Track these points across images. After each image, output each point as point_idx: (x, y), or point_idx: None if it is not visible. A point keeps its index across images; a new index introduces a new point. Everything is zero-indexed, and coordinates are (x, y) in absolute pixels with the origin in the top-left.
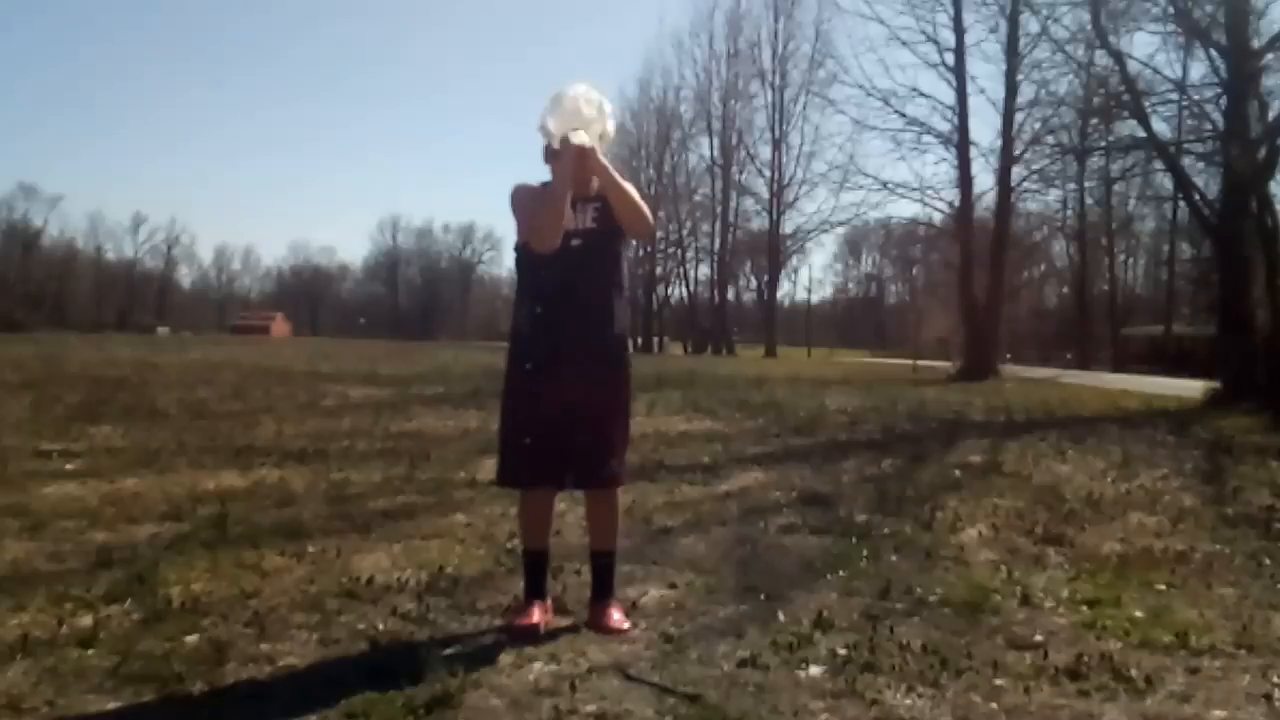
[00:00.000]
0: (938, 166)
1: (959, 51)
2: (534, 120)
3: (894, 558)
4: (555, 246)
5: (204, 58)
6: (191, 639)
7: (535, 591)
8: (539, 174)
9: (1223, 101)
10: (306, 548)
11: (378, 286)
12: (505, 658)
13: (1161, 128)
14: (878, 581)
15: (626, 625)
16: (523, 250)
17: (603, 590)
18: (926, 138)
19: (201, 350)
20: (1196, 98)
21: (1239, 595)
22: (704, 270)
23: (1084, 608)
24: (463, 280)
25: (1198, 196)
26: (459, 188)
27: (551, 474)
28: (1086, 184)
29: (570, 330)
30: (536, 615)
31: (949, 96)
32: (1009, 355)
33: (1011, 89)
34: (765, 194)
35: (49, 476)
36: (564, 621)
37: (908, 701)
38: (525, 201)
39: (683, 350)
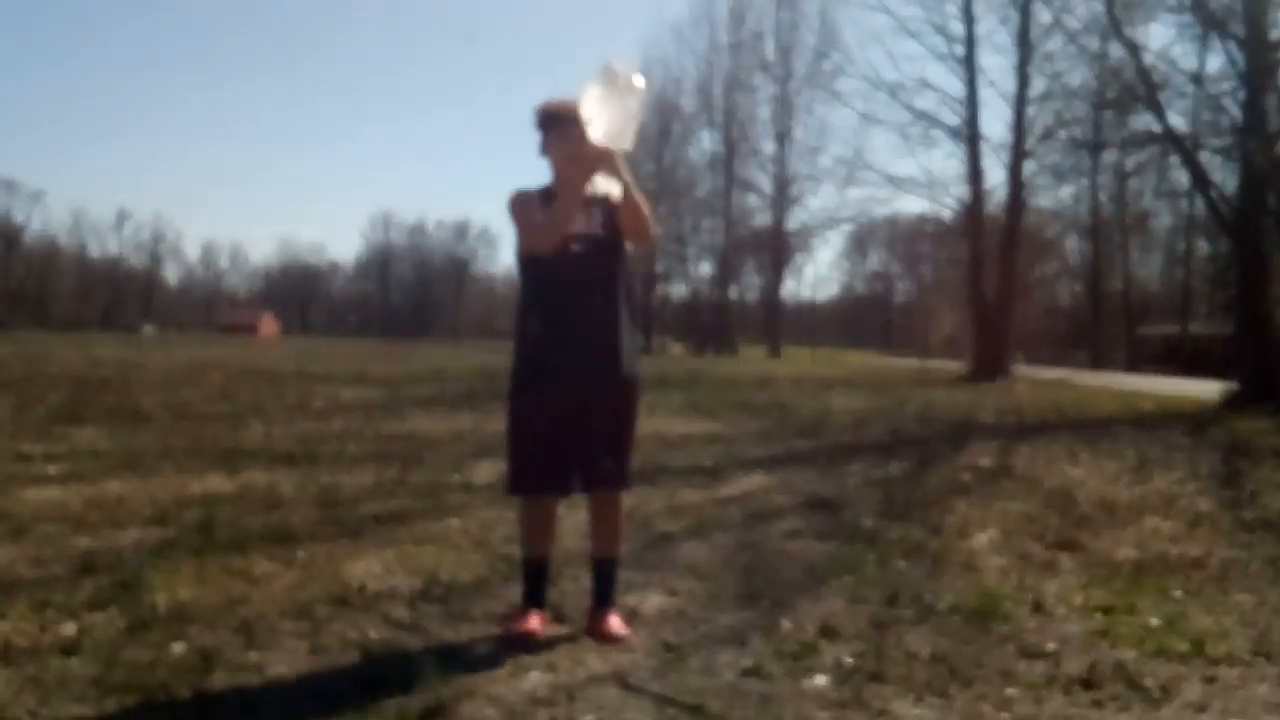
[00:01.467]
0: (947, 161)
1: (969, 43)
2: (528, 117)
3: (902, 564)
4: (554, 249)
5: (189, 54)
6: (178, 647)
7: (533, 600)
8: (534, 171)
9: (1240, 94)
10: (296, 553)
11: (369, 285)
12: (501, 667)
13: (1178, 121)
14: (885, 588)
15: (626, 633)
16: (525, 263)
17: (603, 598)
18: (935, 131)
19: (187, 350)
20: (1214, 90)
21: (1256, 602)
22: (706, 268)
23: (1097, 615)
24: (456, 278)
25: (1215, 192)
26: (452, 183)
27: (558, 480)
28: (1100, 179)
29: (576, 340)
30: (534, 623)
31: (958, 89)
32: (1020, 355)
33: (1023, 81)
34: (769, 189)
35: (30, 480)
36: (562, 630)
37: (916, 712)
38: (524, 213)
39: (684, 350)
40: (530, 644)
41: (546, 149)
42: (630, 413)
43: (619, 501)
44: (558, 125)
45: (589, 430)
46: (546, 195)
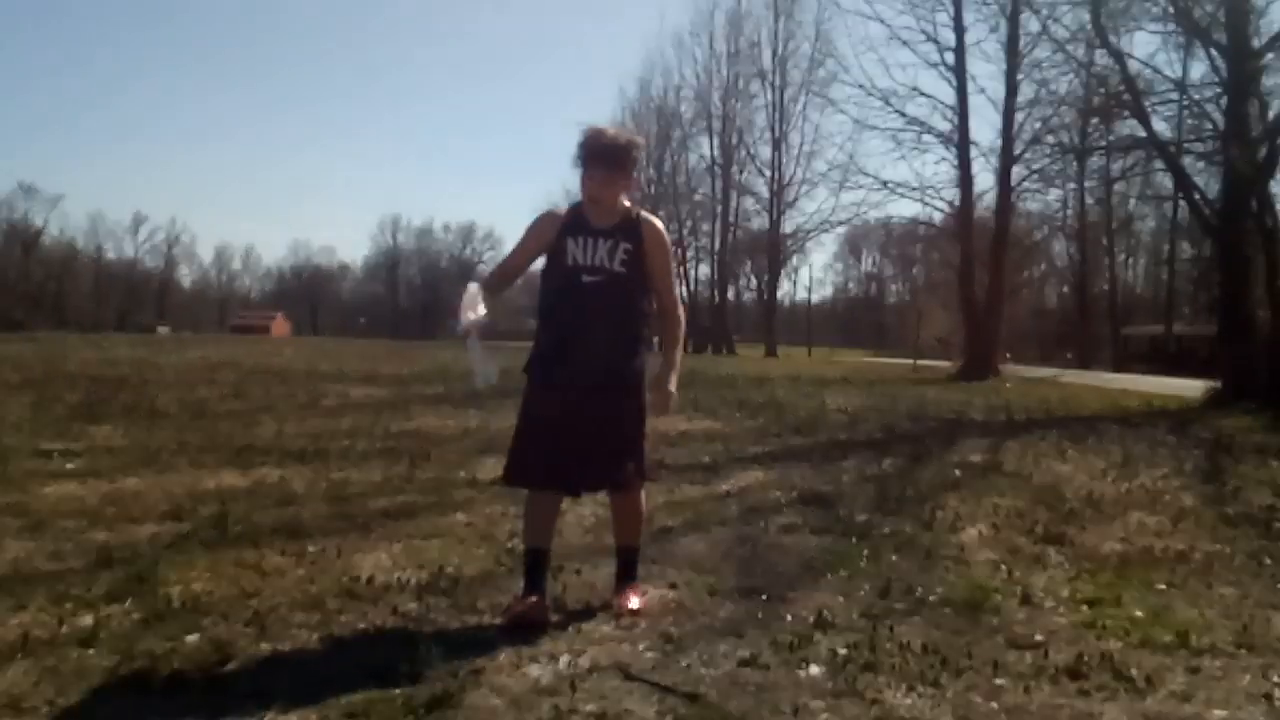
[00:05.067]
0: (938, 166)
1: (959, 51)
2: (534, 119)
3: (894, 557)
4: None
5: (204, 59)
6: (192, 638)
7: (533, 587)
8: (538, 175)
9: (1223, 101)
10: (307, 547)
11: (378, 286)
12: (505, 657)
13: (1162, 127)
14: (878, 581)
15: (643, 605)
16: (541, 275)
17: (624, 578)
18: (927, 137)
19: (201, 350)
20: (1197, 97)
21: (1239, 595)
22: (704, 270)
23: (1084, 607)
24: (463, 280)
25: (1198, 196)
26: (460, 187)
27: (551, 478)
28: (1087, 183)
29: (579, 362)
30: (528, 606)
31: (949, 96)
32: (1009, 355)
33: (1012, 88)
34: (765, 193)
35: (49, 476)
36: (564, 621)
37: (908, 701)
38: (517, 247)
39: (682, 350)
40: (523, 624)
41: (578, 164)
42: (631, 421)
43: (637, 495)
44: (587, 165)
45: (590, 440)
46: (574, 213)
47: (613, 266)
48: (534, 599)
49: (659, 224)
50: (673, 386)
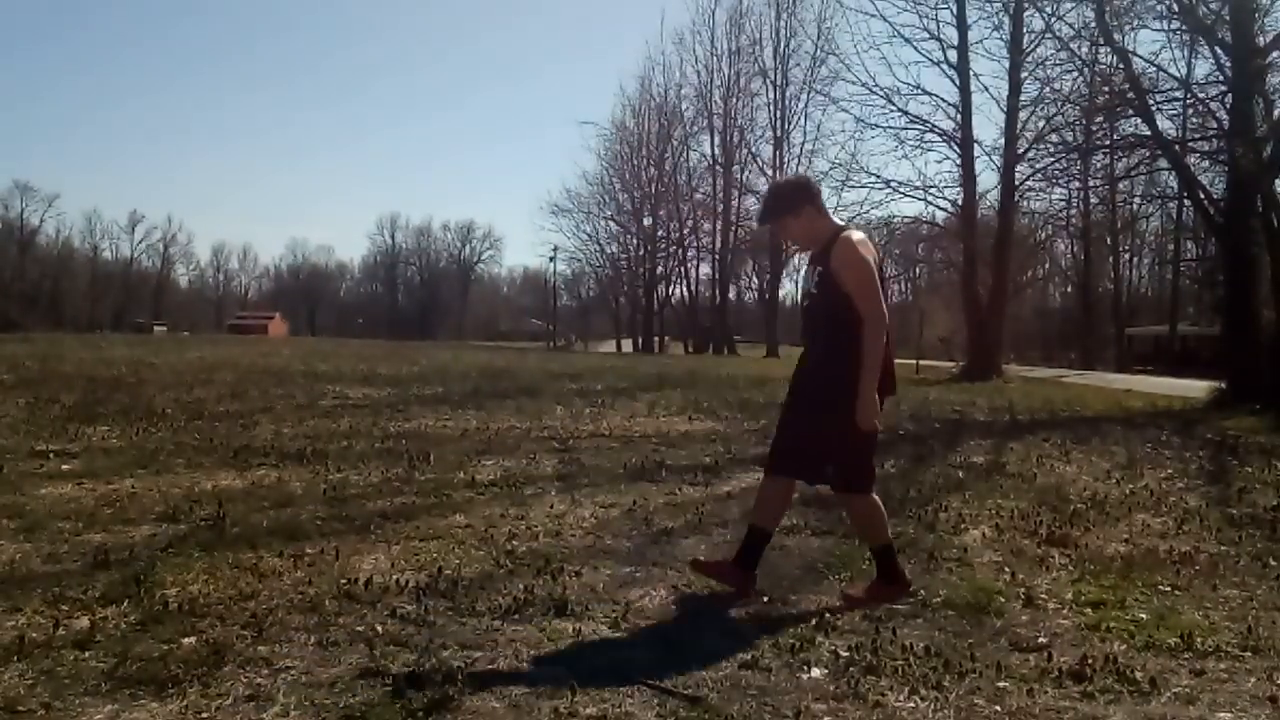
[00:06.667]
0: (941, 165)
1: (962, 48)
2: (533, 118)
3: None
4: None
5: (202, 59)
6: (189, 641)
7: (742, 562)
8: (538, 174)
9: (1228, 99)
10: (305, 549)
11: (376, 286)
12: (505, 660)
13: (1166, 125)
14: None
15: (857, 595)
16: None
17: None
18: (929, 136)
19: (199, 350)
20: (1201, 95)
21: (1244, 597)
22: (705, 269)
23: (1088, 609)
24: (462, 280)
25: (1203, 195)
26: (459, 186)
27: (769, 460)
28: (1091, 182)
29: (799, 365)
30: (735, 579)
31: (952, 94)
32: (1012, 355)
33: (1015, 86)
34: None
35: (45, 477)
36: (564, 622)
37: (910, 704)
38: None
39: (684, 350)
40: (737, 594)
41: (761, 222)
42: (825, 429)
43: (857, 504)
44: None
45: (782, 433)
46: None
47: (812, 288)
48: (739, 574)
49: (848, 241)
50: (863, 393)
